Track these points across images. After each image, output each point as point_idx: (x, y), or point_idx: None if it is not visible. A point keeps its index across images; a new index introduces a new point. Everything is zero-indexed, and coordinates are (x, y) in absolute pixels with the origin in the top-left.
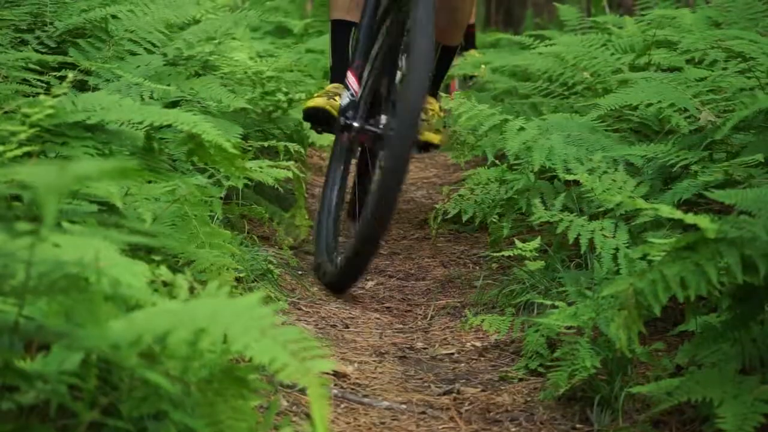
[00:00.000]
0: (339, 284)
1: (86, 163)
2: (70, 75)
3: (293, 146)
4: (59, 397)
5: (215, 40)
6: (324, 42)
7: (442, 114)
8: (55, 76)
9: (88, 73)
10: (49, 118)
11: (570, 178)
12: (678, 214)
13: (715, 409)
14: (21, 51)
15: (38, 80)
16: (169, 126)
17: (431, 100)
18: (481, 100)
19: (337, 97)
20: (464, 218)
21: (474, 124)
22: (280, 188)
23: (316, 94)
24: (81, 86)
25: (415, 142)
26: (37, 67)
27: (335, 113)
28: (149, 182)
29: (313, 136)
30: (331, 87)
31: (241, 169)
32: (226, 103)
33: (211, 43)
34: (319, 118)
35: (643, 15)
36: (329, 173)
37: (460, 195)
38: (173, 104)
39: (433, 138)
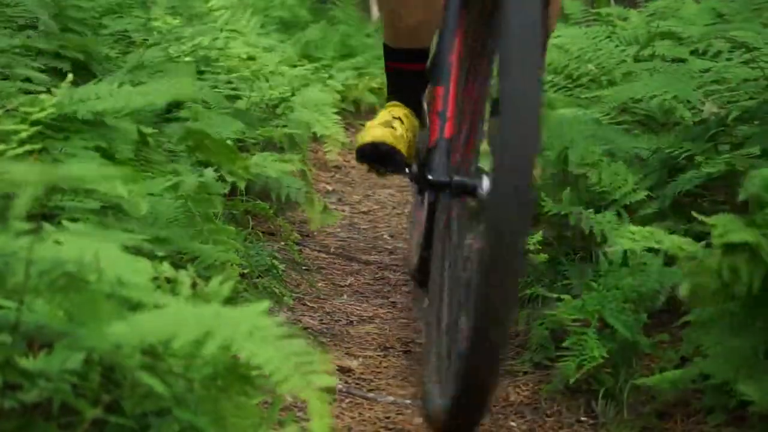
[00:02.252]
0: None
1: (75, 166)
2: (70, 75)
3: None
4: (62, 395)
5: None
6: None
7: None
8: (57, 69)
9: (87, 69)
10: (48, 114)
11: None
12: None
13: (735, 385)
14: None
15: (39, 76)
16: (170, 114)
17: None
18: None
19: (396, 124)
20: None
21: None
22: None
23: (369, 124)
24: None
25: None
26: (42, 66)
27: (402, 148)
28: (147, 177)
29: (318, 128)
30: (389, 110)
31: (244, 169)
32: (227, 104)
33: (215, 37)
34: (380, 156)
35: (647, 6)
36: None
37: None
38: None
39: None
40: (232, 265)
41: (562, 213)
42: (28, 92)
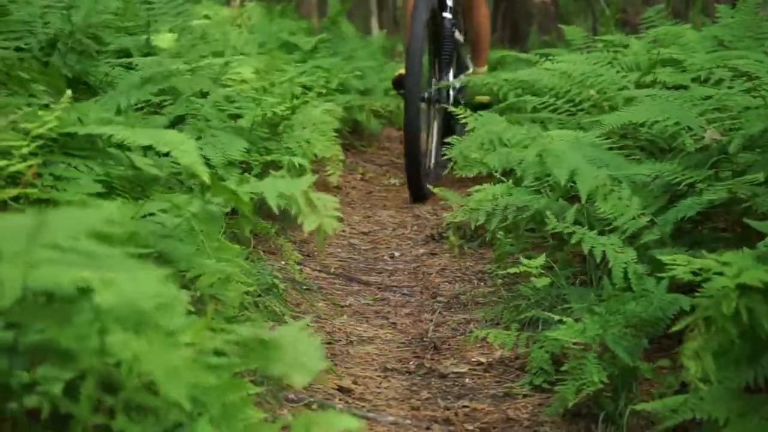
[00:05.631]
0: None
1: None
2: (69, 92)
3: (297, 160)
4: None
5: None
6: (331, 62)
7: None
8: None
9: (89, 85)
10: (49, 131)
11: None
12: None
13: (722, 428)
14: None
15: (42, 91)
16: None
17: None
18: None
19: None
20: (473, 225)
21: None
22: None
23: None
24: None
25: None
26: (44, 78)
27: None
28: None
29: (318, 148)
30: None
31: (231, 196)
32: (228, 123)
33: (219, 58)
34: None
35: (647, 33)
36: None
37: (470, 207)
38: (180, 118)
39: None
40: (236, 282)
41: (565, 232)
42: (29, 105)
